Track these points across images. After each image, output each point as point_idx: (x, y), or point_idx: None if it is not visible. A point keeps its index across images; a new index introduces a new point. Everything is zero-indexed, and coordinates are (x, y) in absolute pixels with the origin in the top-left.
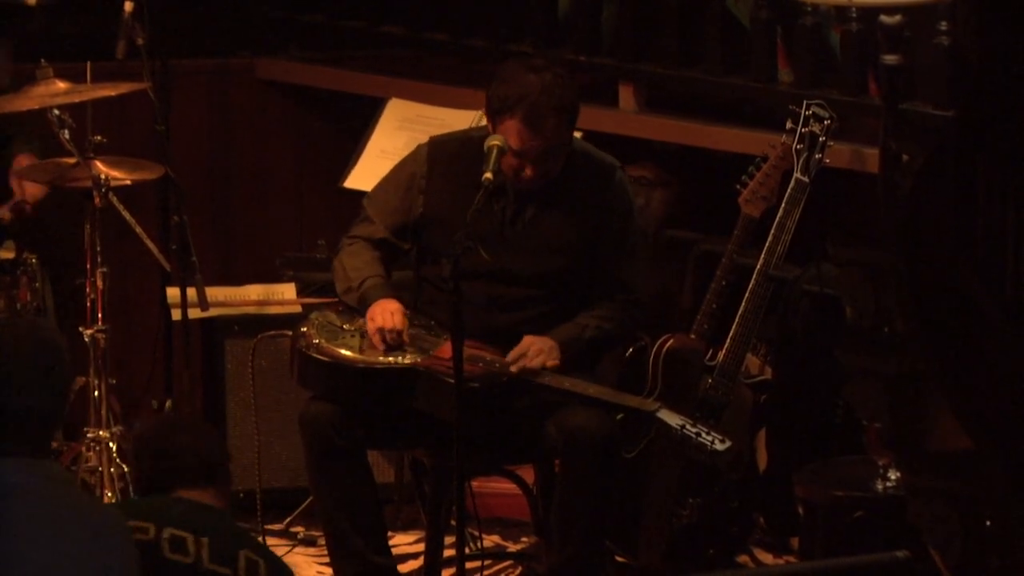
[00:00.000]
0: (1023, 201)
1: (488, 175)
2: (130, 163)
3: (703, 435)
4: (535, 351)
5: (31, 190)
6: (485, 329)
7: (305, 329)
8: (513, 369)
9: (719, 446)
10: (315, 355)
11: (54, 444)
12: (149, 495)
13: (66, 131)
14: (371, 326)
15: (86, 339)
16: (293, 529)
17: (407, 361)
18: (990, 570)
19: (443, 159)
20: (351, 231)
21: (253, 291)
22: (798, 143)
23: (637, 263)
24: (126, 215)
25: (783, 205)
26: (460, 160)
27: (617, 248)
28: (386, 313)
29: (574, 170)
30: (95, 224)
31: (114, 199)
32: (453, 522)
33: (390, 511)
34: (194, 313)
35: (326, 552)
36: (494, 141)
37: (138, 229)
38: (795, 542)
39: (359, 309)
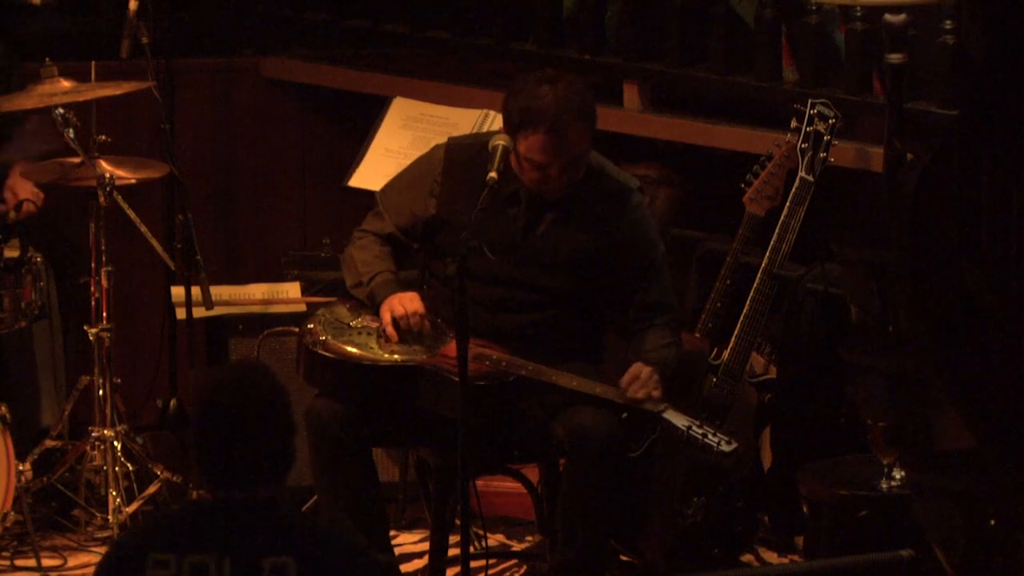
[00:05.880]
0: None
1: (492, 174)
2: (135, 162)
3: (709, 436)
4: (647, 374)
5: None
6: (492, 329)
7: (312, 325)
8: (629, 395)
9: (725, 447)
10: (321, 352)
11: (59, 443)
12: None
13: (71, 130)
14: (387, 317)
15: (91, 338)
16: None
17: (413, 359)
18: (994, 569)
19: (459, 162)
20: (363, 224)
21: (257, 290)
22: (803, 142)
23: (665, 279)
24: (131, 214)
25: (788, 204)
26: (475, 164)
27: (647, 275)
28: (404, 300)
29: (590, 187)
30: (100, 223)
31: (119, 198)
32: (457, 521)
33: (394, 510)
34: (199, 312)
35: None
36: (499, 141)
37: (143, 228)
38: (800, 541)
39: (368, 305)
